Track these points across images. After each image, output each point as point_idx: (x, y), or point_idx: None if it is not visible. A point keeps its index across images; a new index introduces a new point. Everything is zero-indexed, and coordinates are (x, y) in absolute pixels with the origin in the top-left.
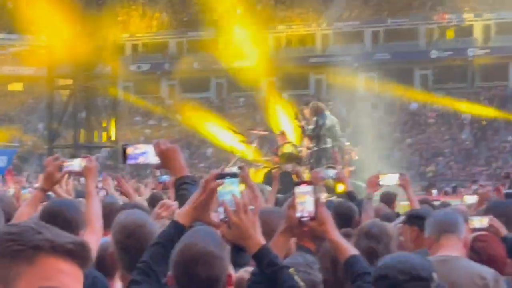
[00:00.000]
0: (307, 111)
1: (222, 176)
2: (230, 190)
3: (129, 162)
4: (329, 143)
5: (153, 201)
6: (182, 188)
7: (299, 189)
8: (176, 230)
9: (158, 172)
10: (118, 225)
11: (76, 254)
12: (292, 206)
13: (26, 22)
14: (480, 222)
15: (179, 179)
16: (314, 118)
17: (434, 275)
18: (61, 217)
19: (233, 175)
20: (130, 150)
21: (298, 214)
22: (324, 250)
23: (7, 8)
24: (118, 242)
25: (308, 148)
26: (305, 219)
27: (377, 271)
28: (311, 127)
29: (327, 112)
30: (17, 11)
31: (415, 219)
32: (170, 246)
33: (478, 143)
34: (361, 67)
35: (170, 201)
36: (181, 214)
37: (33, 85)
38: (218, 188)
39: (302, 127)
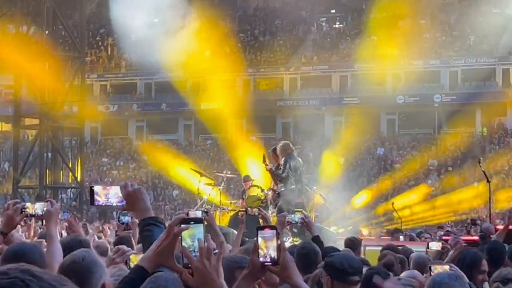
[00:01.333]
0: (276, 152)
1: (186, 221)
2: (195, 235)
3: (96, 203)
4: (293, 184)
5: (121, 243)
6: (146, 230)
7: (262, 234)
8: (139, 275)
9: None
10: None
11: None
12: (255, 251)
13: None
14: (442, 269)
15: (143, 220)
16: (283, 159)
17: None
18: (23, 259)
19: (198, 220)
20: (97, 191)
21: (261, 259)
22: None
23: None
24: None
25: (275, 191)
26: (268, 264)
27: None
28: (280, 168)
29: (295, 154)
30: None
31: (329, 268)
32: None
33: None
34: (329, 111)
35: (125, 247)
36: (144, 259)
37: None
38: (183, 233)
39: (270, 170)
